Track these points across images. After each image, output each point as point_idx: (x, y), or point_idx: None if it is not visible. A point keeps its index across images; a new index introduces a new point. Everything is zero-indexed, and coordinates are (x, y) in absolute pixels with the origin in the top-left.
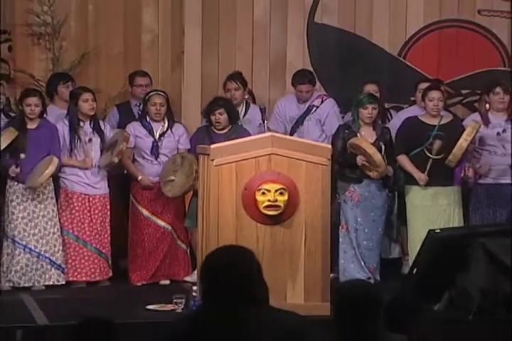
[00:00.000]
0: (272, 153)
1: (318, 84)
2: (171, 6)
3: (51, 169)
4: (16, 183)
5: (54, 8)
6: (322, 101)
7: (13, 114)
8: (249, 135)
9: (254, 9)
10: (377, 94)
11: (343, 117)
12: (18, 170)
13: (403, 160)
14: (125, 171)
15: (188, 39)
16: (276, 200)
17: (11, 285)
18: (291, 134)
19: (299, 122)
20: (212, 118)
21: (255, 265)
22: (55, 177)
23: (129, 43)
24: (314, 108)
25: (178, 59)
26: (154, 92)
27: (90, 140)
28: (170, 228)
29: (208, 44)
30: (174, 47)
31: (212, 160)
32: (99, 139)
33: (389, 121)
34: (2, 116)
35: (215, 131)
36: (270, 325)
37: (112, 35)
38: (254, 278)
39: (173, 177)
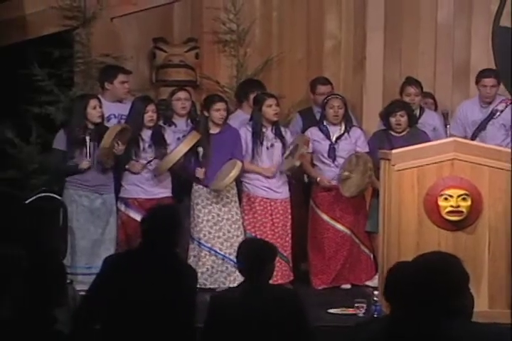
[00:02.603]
0: (455, 158)
1: (502, 88)
2: (353, 12)
3: (235, 172)
4: (201, 187)
5: (240, 15)
6: (506, 106)
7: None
8: (428, 138)
9: (437, 14)
10: None
11: None
12: (203, 169)
13: None
14: (306, 177)
15: (370, 44)
16: (458, 206)
17: (198, 286)
18: (473, 138)
19: (481, 126)
20: (392, 120)
21: (463, 273)
22: (238, 182)
23: (311, 49)
24: (498, 112)
25: (360, 64)
26: (332, 95)
27: (272, 145)
28: (349, 232)
29: (390, 49)
30: (356, 53)
31: (394, 165)
32: (280, 144)
33: None
34: (188, 121)
35: (394, 134)
36: (469, 339)
37: (294, 41)
38: (460, 287)
39: (347, 173)
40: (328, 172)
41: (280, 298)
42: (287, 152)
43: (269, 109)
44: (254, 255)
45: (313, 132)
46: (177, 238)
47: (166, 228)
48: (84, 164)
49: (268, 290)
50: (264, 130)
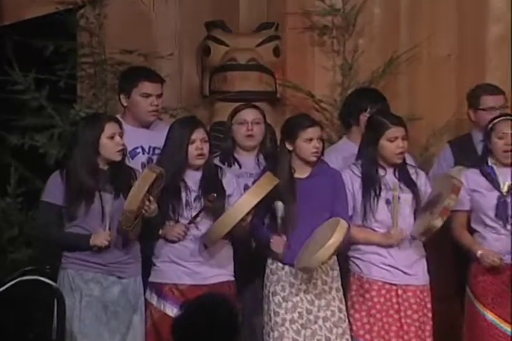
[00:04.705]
0: None
1: None
2: None
3: (337, 239)
4: (279, 266)
5: None
6: None
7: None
8: None
9: None
10: None
11: None
12: (283, 238)
13: None
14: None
15: None
16: None
17: None
18: None
19: None
20: None
21: None
22: (342, 257)
23: (465, 41)
24: None
25: None
26: (503, 118)
27: (397, 196)
28: None
29: None
30: None
31: None
32: (410, 195)
33: None
34: (260, 158)
35: None
36: None
37: (438, 28)
38: None
39: None
40: (495, 243)
41: None
42: (422, 205)
43: (392, 145)
44: None
45: (472, 176)
46: None
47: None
48: (102, 240)
49: None
50: (382, 173)
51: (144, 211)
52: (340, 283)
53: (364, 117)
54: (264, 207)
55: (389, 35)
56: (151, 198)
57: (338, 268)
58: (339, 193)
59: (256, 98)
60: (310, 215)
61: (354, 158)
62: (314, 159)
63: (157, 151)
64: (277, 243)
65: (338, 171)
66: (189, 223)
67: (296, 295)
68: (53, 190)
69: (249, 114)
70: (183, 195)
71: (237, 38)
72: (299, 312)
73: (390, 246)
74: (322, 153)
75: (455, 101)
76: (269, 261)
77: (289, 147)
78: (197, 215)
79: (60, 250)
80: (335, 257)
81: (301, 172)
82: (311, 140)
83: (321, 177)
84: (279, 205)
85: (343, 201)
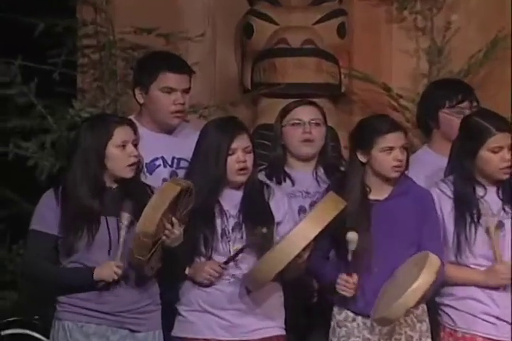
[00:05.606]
0: None
1: None
2: None
3: (425, 280)
4: (350, 316)
5: None
6: None
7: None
8: None
9: None
10: None
11: None
12: (353, 278)
13: None
14: None
15: None
16: None
17: None
18: None
19: None
20: None
21: None
22: (432, 304)
23: None
24: None
25: None
26: None
27: (500, 224)
28: None
29: None
30: None
31: None
32: None
33: None
34: (319, 171)
35: None
36: None
37: None
38: None
39: None
40: None
41: None
42: None
43: (495, 157)
44: None
45: None
46: None
47: None
48: (109, 272)
49: None
50: (481, 193)
51: (164, 236)
52: (430, 339)
53: (444, 115)
54: (327, 237)
55: (492, 8)
56: (175, 220)
57: (427, 321)
58: (429, 220)
59: (314, 93)
60: (390, 250)
61: (440, 173)
62: (396, 175)
63: (183, 164)
64: (346, 284)
65: (429, 191)
66: (226, 262)
67: None
68: (46, 216)
69: (305, 113)
70: (218, 221)
71: (288, 14)
72: None
73: (493, 288)
74: (406, 167)
75: None
76: (336, 309)
77: (362, 159)
78: (238, 252)
79: (54, 294)
80: (424, 305)
81: (378, 193)
82: (391, 149)
83: (404, 199)
84: (353, 237)
85: (435, 231)
